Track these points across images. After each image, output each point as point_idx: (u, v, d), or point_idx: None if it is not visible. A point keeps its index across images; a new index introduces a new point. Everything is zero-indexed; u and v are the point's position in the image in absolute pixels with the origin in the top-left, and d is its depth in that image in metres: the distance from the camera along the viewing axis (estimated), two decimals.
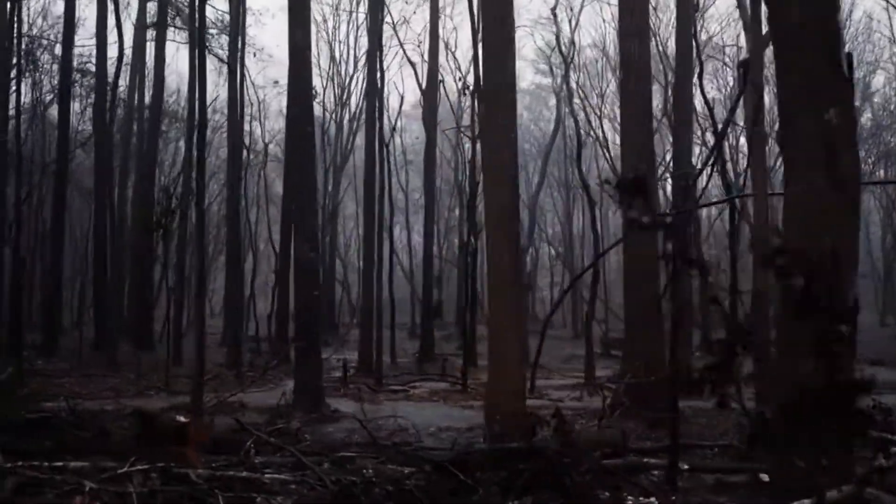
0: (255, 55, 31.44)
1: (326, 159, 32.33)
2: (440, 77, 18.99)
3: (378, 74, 17.25)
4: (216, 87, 31.21)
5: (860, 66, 31.67)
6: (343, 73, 35.75)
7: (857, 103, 34.47)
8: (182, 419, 5.33)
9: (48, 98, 27.91)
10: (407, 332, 36.36)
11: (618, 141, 34.91)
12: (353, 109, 36.46)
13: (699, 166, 14.23)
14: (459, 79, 18.31)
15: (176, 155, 36.46)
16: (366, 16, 26.89)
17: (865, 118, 35.01)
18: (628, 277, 10.54)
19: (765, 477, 7.30)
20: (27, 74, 25.33)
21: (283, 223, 20.48)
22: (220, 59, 26.38)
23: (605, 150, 33.58)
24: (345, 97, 35.00)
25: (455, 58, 30.45)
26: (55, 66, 25.25)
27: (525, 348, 8.15)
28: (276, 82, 35.15)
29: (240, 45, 22.65)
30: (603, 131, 32.91)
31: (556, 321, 30.10)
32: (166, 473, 4.86)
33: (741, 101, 13.15)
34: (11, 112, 23.85)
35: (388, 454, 5.62)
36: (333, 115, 34.66)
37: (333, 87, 34.45)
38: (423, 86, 22.50)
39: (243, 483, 4.85)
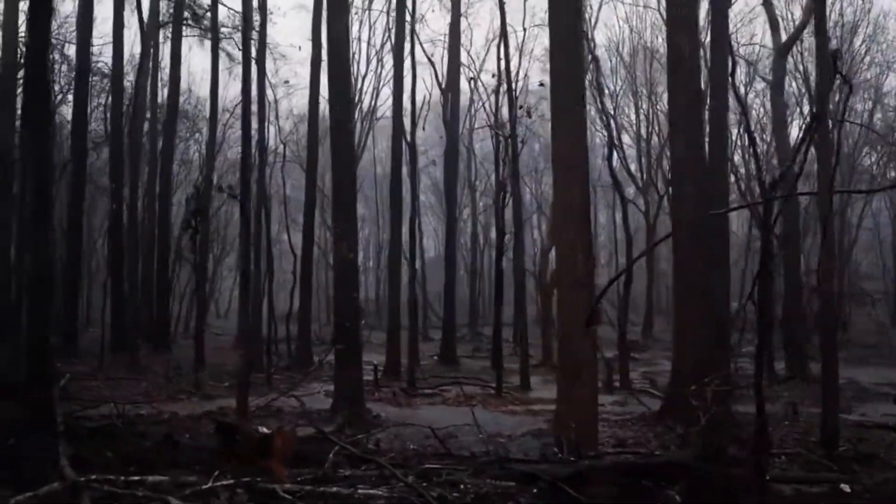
0: (270, 54, 31.26)
1: None
2: (473, 75, 18.64)
3: (409, 72, 16.95)
4: (225, 85, 31.03)
5: (871, 66, 31.40)
6: (355, 72, 35.48)
7: (868, 104, 33.93)
8: (264, 430, 5.04)
9: (57, 98, 27.69)
10: (420, 335, 36.10)
11: (627, 140, 34.91)
12: (364, 109, 36.18)
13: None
14: (493, 76, 17.92)
15: (185, 153, 36.24)
16: (380, 12, 26.68)
17: (876, 119, 34.76)
18: (679, 276, 10.25)
19: (846, 487, 7.04)
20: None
21: (306, 224, 20.19)
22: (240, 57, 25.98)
23: (617, 151, 33.34)
24: (356, 97, 34.61)
25: (470, 57, 30.04)
26: (62, 67, 25.04)
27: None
28: (287, 81, 34.93)
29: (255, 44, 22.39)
30: (618, 131, 32.74)
31: None
32: (252, 489, 4.58)
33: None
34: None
35: (477, 466, 5.32)
36: None
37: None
38: (443, 84, 22.22)
39: (334, 499, 4.57)
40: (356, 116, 35.23)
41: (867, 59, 30.87)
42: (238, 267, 30.56)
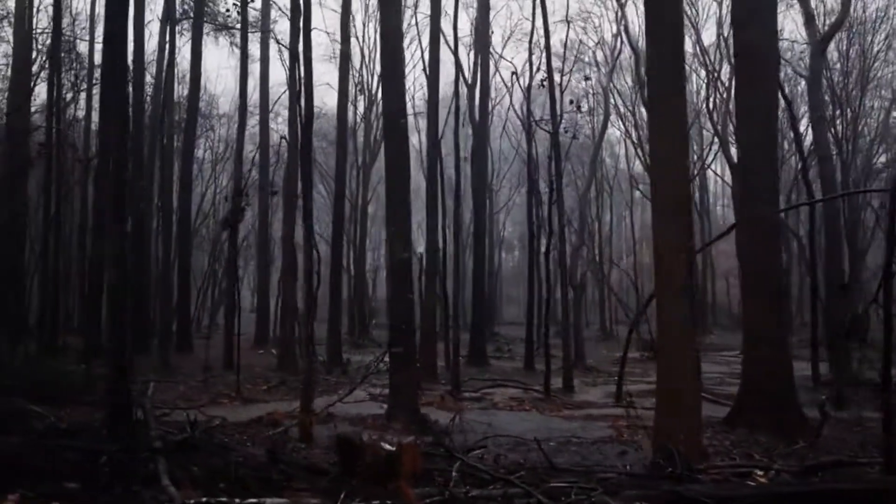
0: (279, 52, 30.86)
1: (359, 160, 31.65)
2: (515, 70, 18.21)
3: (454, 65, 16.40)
4: (236, 83, 30.62)
5: (888, 64, 31.02)
6: (371, 69, 35.15)
7: (886, 102, 33.52)
8: (389, 446, 4.63)
9: (68, 96, 27.25)
10: (437, 335, 35.68)
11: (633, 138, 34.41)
12: (380, 108, 35.85)
13: None
14: (538, 70, 17.52)
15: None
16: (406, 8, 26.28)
17: (893, 117, 34.40)
18: (746, 274, 9.84)
19: None
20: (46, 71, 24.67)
21: (336, 223, 19.76)
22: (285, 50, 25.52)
23: (637, 149, 32.98)
24: (374, 95, 34.26)
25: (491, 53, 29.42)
26: (75, 64, 24.59)
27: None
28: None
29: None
30: (635, 129, 32.36)
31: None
32: None
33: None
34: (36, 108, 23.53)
35: (607, 485, 4.92)
36: (363, 115, 33.99)
37: (363, 84, 33.71)
38: (470, 80, 21.80)
39: None
40: (372, 115, 34.96)
41: (889, 55, 30.62)
42: (257, 265, 30.19)
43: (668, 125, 6.64)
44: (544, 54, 15.58)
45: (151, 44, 27.00)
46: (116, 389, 6.18)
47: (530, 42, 19.12)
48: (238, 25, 30.00)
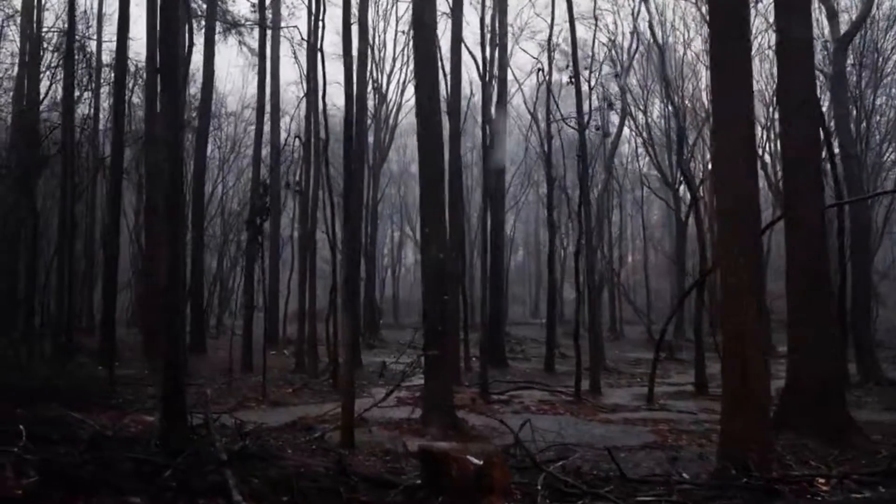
0: (294, 52, 30.63)
1: (369, 159, 31.38)
2: (541, 66, 17.93)
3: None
4: (243, 82, 30.40)
5: None
6: (382, 68, 34.95)
7: None
8: (476, 459, 4.37)
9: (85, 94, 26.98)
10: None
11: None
12: (390, 106, 35.62)
13: None
14: (566, 67, 17.24)
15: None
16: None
17: None
18: (792, 272, 9.59)
19: None
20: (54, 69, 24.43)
21: (352, 222, 19.41)
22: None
23: (649, 147, 32.72)
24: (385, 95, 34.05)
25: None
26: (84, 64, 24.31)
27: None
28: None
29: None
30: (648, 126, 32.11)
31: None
32: None
33: None
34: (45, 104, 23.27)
35: (697, 499, 4.67)
36: (373, 115, 33.70)
37: (373, 83, 33.45)
38: (486, 77, 21.54)
39: None
40: (382, 114, 34.70)
41: None
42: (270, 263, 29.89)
43: (733, 118, 6.39)
44: (548, 52, 15.28)
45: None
46: (171, 396, 5.91)
47: (549, 39, 18.90)
48: (246, 23, 29.95)
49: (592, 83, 20.27)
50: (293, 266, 22.53)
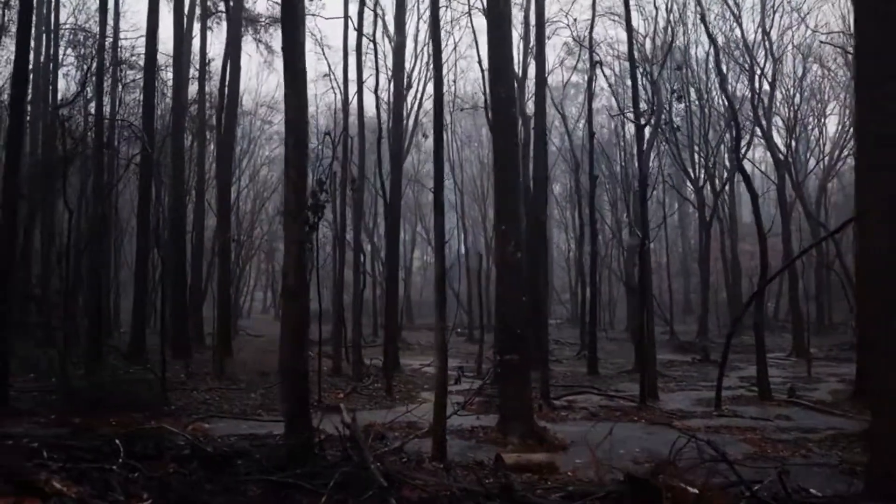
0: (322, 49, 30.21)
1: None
2: (600, 60, 17.39)
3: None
4: (253, 78, 29.84)
5: None
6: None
7: None
8: (692, 489, 3.87)
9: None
10: (465, 336, 34.89)
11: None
12: (409, 103, 35.04)
13: None
14: (622, 58, 16.68)
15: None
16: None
17: None
18: (863, 274, 9.03)
19: None
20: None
21: (390, 223, 18.96)
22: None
23: (671, 146, 32.20)
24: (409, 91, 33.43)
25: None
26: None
27: None
28: (326, 75, 33.87)
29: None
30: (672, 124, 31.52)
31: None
32: None
33: None
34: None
35: None
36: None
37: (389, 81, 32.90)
38: (521, 71, 20.98)
39: None
40: (404, 110, 34.13)
41: None
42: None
43: (881, 110, 5.89)
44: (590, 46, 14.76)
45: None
46: (297, 409, 5.37)
47: (591, 30, 18.37)
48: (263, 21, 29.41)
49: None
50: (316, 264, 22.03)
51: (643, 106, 19.36)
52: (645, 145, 21.45)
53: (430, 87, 34.10)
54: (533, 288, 20.46)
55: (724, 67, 28.74)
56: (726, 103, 31.46)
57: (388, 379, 13.86)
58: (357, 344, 16.70)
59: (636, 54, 28.11)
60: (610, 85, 26.50)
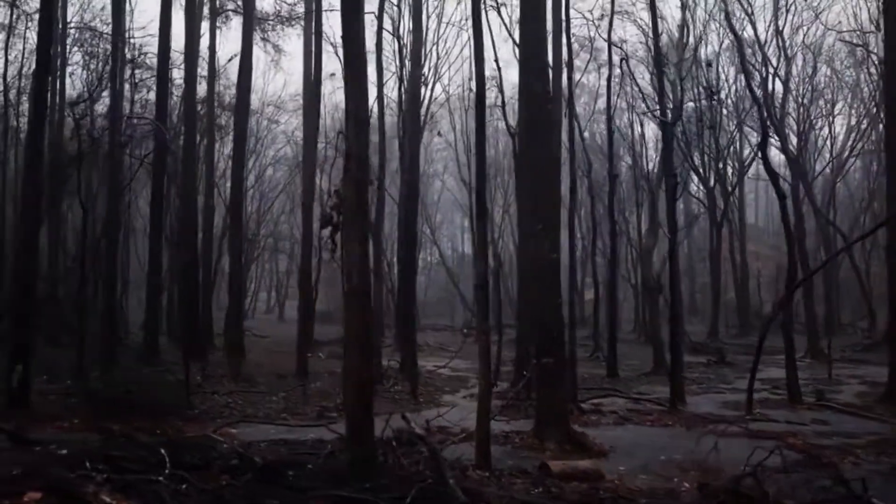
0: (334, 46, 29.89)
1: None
2: (626, 56, 17.11)
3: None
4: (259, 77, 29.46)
5: None
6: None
7: None
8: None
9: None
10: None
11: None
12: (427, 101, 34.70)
13: None
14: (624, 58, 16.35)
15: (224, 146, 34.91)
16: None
17: None
18: None
19: None
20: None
21: (408, 220, 18.67)
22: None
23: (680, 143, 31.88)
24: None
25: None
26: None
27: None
28: (333, 74, 33.58)
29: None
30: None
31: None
32: None
33: None
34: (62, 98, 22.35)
35: None
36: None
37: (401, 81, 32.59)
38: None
39: None
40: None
41: None
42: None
43: None
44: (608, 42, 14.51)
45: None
46: (361, 419, 5.08)
47: (609, 27, 18.09)
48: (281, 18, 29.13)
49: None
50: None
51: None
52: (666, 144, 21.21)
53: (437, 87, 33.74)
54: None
55: (737, 66, 28.68)
56: (738, 103, 31.64)
57: (412, 381, 13.58)
58: (377, 345, 16.40)
59: (649, 53, 28.07)
60: (625, 83, 26.21)
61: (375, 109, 22.38)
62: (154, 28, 22.41)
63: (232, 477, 4.93)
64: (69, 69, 26.84)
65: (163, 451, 5.17)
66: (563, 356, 9.57)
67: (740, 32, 28.74)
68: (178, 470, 5.00)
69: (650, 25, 23.35)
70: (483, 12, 9.31)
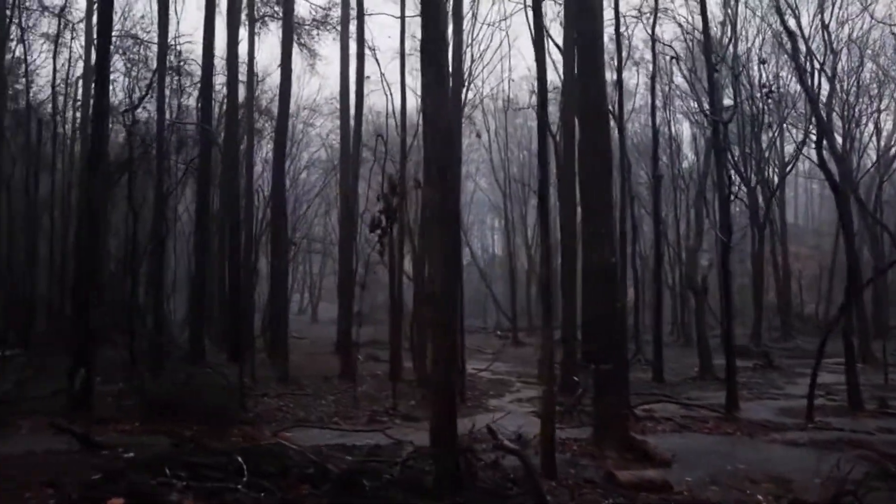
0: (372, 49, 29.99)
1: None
2: (676, 55, 16.80)
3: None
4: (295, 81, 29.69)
5: None
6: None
7: None
8: None
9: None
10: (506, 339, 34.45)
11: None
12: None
13: None
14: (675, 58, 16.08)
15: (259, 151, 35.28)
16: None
17: None
18: None
19: None
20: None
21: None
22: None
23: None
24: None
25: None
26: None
27: None
28: (368, 77, 33.67)
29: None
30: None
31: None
32: None
33: None
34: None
35: None
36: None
37: None
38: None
39: None
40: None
41: None
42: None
43: None
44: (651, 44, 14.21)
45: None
46: (444, 427, 4.99)
47: (653, 26, 17.82)
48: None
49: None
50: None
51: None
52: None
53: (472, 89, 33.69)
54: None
55: (776, 62, 27.99)
56: (781, 101, 30.87)
57: (461, 385, 13.45)
58: (421, 346, 16.30)
59: (687, 51, 27.56)
60: (660, 81, 25.80)
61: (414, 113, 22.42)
62: (196, 36, 22.86)
63: (313, 486, 4.89)
64: (111, 76, 27.45)
65: (239, 458, 5.14)
66: (623, 362, 9.38)
67: (780, 26, 28.25)
68: (256, 478, 4.97)
69: (690, 23, 23.10)
70: (529, 16, 9.12)
